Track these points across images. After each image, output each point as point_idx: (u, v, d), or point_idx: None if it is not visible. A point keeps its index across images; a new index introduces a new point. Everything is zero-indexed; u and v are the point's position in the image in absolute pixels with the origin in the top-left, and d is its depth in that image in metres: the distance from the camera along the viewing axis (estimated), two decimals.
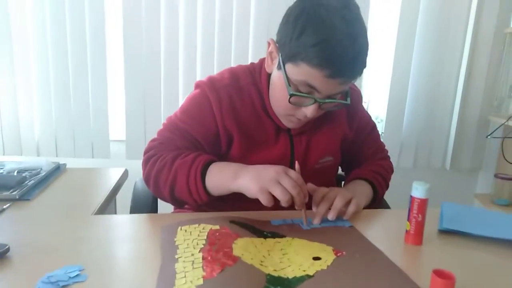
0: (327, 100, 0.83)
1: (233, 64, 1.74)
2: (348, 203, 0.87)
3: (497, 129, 1.90)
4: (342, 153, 1.04)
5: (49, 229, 0.77)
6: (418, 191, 0.74)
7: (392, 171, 1.11)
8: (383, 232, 0.83)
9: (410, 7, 1.88)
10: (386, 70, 2.00)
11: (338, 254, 0.70)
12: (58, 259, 0.65)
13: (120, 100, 1.86)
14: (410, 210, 0.76)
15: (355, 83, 1.07)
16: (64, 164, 1.15)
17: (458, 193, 2.15)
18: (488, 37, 1.92)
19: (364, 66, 0.82)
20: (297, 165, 0.83)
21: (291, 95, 0.82)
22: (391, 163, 1.12)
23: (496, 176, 1.93)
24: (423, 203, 0.74)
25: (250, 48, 1.83)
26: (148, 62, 1.80)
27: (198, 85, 0.95)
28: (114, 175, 1.11)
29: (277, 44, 0.85)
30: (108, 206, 0.96)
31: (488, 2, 1.89)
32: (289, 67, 0.82)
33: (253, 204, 0.82)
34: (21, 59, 1.76)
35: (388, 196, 1.08)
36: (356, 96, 1.04)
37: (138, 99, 1.83)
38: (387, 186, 1.06)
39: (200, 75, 1.83)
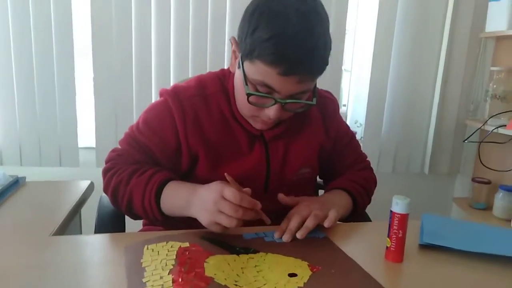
0: (288, 101, 0.78)
1: (209, 69, 1.70)
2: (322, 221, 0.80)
3: (473, 133, 1.91)
4: (321, 164, 1.00)
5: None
6: (398, 205, 0.71)
7: (375, 183, 1.05)
8: (362, 247, 0.79)
9: (387, 13, 1.88)
10: (365, 75, 1.98)
11: (314, 270, 0.67)
12: None
13: (89, 105, 1.77)
14: (390, 226, 0.72)
15: (331, 92, 1.04)
16: (24, 178, 1.07)
17: (437, 197, 2.16)
18: (464, 42, 1.93)
19: (325, 62, 0.77)
20: (228, 177, 0.76)
21: (248, 95, 0.78)
22: (374, 174, 1.07)
23: (473, 180, 1.94)
24: (404, 219, 0.71)
25: (226, 52, 1.78)
26: (119, 63, 1.72)
27: (161, 94, 0.89)
28: (78, 189, 1.04)
29: (237, 41, 0.81)
30: (69, 225, 0.88)
31: (463, 8, 1.90)
32: (246, 65, 0.78)
33: None
34: None
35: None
36: (332, 105, 1.01)
37: (108, 103, 1.74)
38: (369, 198, 1.01)
39: (174, 77, 1.77)
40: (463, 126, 2.03)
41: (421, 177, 2.10)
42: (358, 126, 2.10)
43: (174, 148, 0.87)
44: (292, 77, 0.74)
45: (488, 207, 1.91)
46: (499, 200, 1.82)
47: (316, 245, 0.77)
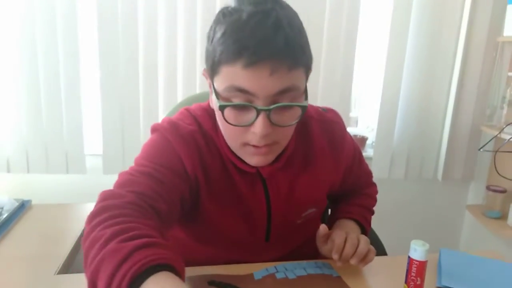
0: (272, 106, 0.63)
1: None
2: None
3: (489, 142, 1.85)
4: (332, 195, 0.94)
5: None
6: (417, 252, 0.67)
7: (377, 193, 1.02)
8: None
9: (402, 15, 1.80)
10: (377, 79, 1.92)
11: None
12: None
13: (95, 112, 1.75)
14: (408, 272, 0.69)
15: (337, 111, 0.90)
16: (29, 201, 1.05)
17: (450, 204, 2.12)
18: (481, 46, 1.85)
19: (296, 45, 0.62)
20: None
21: (221, 108, 0.64)
22: (375, 186, 1.03)
23: (488, 188, 1.89)
24: (422, 266, 0.67)
25: None
26: (126, 69, 1.68)
27: (155, 129, 0.76)
28: (85, 213, 1.01)
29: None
30: (76, 256, 0.86)
31: (480, 11, 1.82)
32: (216, 82, 0.66)
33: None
34: None
35: (379, 208, 1.01)
36: (339, 130, 0.86)
37: (115, 110, 1.71)
38: (372, 214, 0.98)
39: (181, 85, 1.73)
40: (478, 132, 1.97)
41: (434, 184, 2.06)
42: (370, 131, 2.05)
43: (183, 179, 0.72)
44: (261, 66, 0.60)
45: (502, 216, 1.86)
46: None
47: (329, 285, 0.75)
